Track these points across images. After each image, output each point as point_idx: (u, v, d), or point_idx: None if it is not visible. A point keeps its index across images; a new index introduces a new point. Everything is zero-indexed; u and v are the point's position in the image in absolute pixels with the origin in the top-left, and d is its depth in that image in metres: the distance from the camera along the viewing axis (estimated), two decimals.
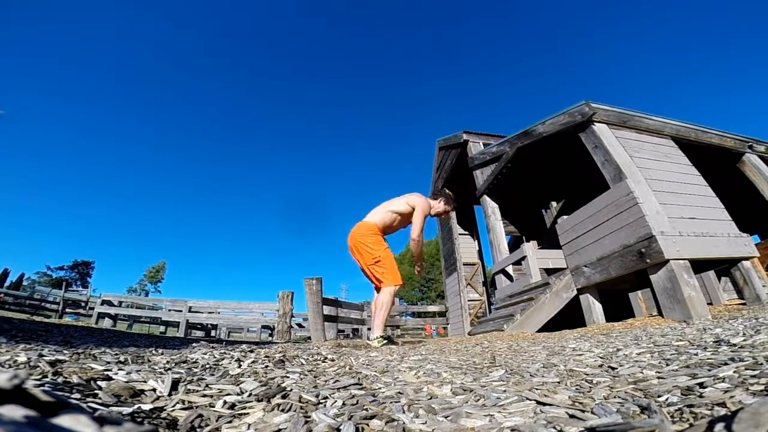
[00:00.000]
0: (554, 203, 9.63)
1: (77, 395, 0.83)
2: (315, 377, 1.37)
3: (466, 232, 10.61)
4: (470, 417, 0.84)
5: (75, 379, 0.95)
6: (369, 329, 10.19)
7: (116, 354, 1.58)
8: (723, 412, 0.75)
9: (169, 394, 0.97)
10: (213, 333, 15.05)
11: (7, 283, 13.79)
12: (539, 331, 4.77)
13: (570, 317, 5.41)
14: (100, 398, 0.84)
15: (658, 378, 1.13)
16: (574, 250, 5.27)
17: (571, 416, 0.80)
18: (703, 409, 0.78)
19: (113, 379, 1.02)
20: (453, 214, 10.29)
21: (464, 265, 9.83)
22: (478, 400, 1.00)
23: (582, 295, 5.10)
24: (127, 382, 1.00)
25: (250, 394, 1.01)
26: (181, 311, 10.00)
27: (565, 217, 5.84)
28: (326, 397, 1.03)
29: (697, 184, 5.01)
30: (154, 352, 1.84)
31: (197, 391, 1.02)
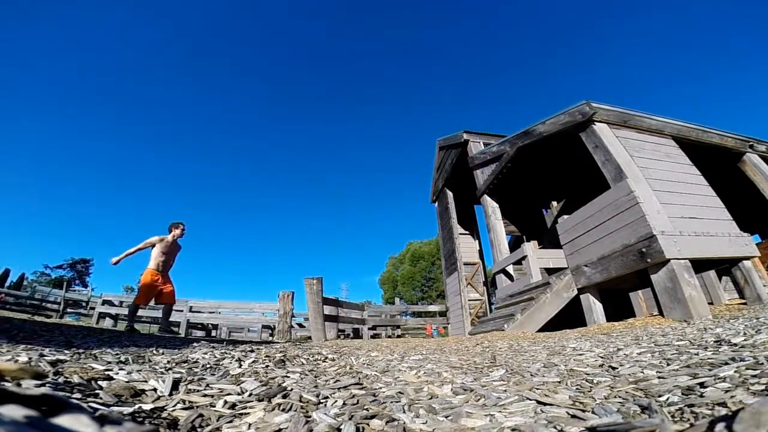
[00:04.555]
0: (555, 203, 9.62)
1: (78, 395, 0.83)
2: (315, 377, 1.37)
3: (467, 232, 10.61)
4: (471, 417, 0.84)
5: (76, 379, 0.95)
6: (369, 329, 10.19)
7: (117, 354, 1.58)
8: (723, 411, 0.75)
9: (170, 394, 0.97)
10: (214, 333, 15.04)
11: (7, 283, 13.80)
12: (540, 330, 4.77)
13: (570, 317, 5.40)
14: (101, 398, 0.84)
15: (659, 378, 1.13)
16: (574, 249, 5.27)
17: (572, 416, 0.80)
18: (704, 409, 0.78)
19: (114, 379, 1.02)
20: (453, 214, 10.28)
21: (465, 264, 9.82)
22: (479, 399, 1.00)
23: (582, 294, 5.09)
24: (127, 381, 1.01)
25: (250, 394, 1.01)
26: (181, 311, 10.00)
27: (565, 216, 5.84)
28: (327, 397, 1.03)
29: (697, 183, 5.00)
30: (154, 351, 1.85)
31: (198, 390, 1.02)
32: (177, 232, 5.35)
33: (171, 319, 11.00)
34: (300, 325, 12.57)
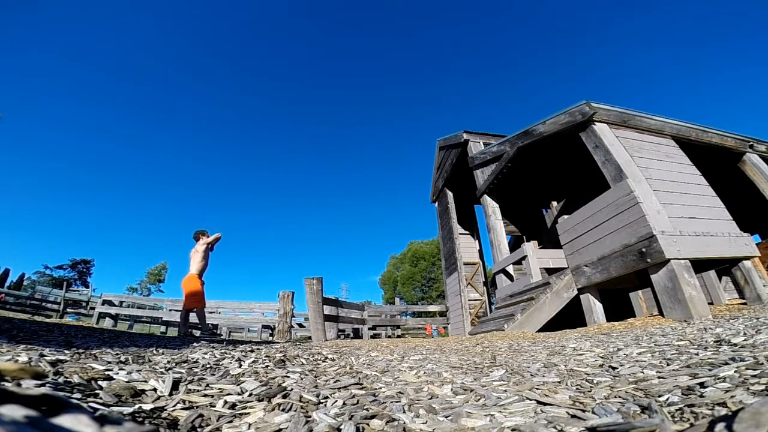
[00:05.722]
0: (555, 203, 9.62)
1: (78, 395, 0.83)
2: (315, 377, 1.37)
3: (467, 232, 10.60)
4: (471, 417, 0.84)
5: (76, 379, 0.95)
6: (369, 329, 10.19)
7: (117, 354, 1.58)
8: (724, 411, 0.75)
9: (170, 394, 0.97)
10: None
11: (8, 283, 13.80)
12: (540, 330, 4.77)
13: (570, 317, 5.40)
14: (101, 398, 0.84)
15: (659, 378, 1.13)
16: (574, 249, 5.27)
17: (572, 416, 0.80)
18: (704, 409, 0.78)
19: (114, 379, 1.02)
20: (453, 214, 10.28)
21: (465, 264, 9.81)
22: (479, 399, 1.00)
23: (582, 294, 5.09)
24: (127, 381, 1.01)
25: (250, 394, 1.01)
26: (180, 311, 10.00)
27: (565, 216, 5.84)
28: (327, 397, 1.03)
29: (697, 183, 5.00)
30: (154, 351, 1.85)
31: (198, 390, 1.02)
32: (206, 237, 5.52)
33: (170, 319, 11.05)
34: (300, 325, 12.56)
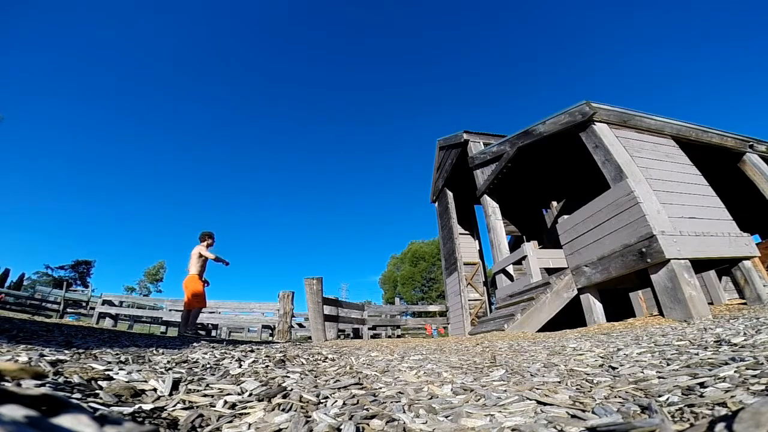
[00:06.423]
0: (555, 203, 9.62)
1: (78, 395, 0.83)
2: (315, 377, 1.37)
3: (467, 232, 10.60)
4: (471, 417, 0.84)
5: (76, 379, 0.95)
6: (369, 329, 10.20)
7: (117, 354, 1.58)
8: (724, 411, 0.75)
9: (170, 394, 0.97)
10: (213, 333, 15.07)
11: (8, 283, 13.80)
12: (540, 330, 4.77)
13: (570, 317, 5.40)
14: (101, 398, 0.84)
15: (659, 378, 1.13)
16: (574, 249, 5.27)
17: (572, 416, 0.80)
18: (704, 409, 0.78)
19: (114, 379, 1.02)
20: (453, 214, 10.28)
21: (465, 264, 9.81)
22: (479, 399, 1.00)
23: (582, 294, 5.09)
24: (127, 381, 1.01)
25: (250, 394, 1.01)
26: (180, 311, 10.00)
27: (565, 216, 5.84)
28: (327, 397, 1.03)
29: (697, 183, 5.00)
30: (154, 351, 1.85)
31: (198, 390, 1.02)
32: (211, 242, 5.78)
33: (170, 319, 11.08)
34: (300, 325, 12.57)
